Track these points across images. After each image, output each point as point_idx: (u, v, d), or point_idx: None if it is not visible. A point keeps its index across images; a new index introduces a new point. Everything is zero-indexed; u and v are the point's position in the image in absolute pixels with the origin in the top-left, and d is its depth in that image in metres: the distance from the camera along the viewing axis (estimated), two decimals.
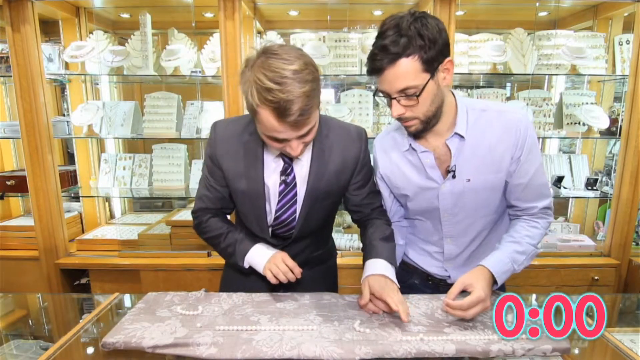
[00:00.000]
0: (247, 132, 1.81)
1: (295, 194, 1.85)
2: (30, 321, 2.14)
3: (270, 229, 1.95)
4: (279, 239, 1.98)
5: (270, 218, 1.92)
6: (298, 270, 1.82)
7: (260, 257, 1.88)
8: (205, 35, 3.93)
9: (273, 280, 1.81)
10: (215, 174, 1.92)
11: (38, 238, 3.59)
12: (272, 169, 1.85)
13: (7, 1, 3.21)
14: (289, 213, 1.88)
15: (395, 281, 1.78)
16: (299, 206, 1.87)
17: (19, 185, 3.69)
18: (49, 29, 4.03)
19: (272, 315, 1.71)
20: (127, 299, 2.08)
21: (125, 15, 4.12)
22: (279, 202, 1.86)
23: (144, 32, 3.55)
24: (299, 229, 1.92)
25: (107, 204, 4.38)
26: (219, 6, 3.26)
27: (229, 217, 2.11)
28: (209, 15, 3.94)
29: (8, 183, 3.71)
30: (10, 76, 3.36)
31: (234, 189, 1.90)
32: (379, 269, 1.80)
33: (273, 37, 3.78)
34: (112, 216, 4.46)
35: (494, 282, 1.72)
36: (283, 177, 1.84)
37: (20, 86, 3.33)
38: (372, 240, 1.92)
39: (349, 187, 1.95)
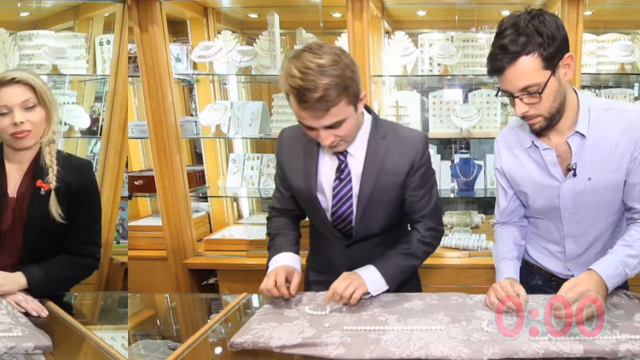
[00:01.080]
0: (308, 135, 1.95)
1: (351, 189, 2.00)
2: (158, 321, 2.30)
3: (332, 225, 2.09)
4: (344, 236, 2.11)
5: (328, 214, 2.07)
6: (285, 291, 1.87)
7: (270, 268, 2.03)
8: (333, 35, 4.03)
9: (268, 294, 1.92)
10: (280, 175, 2.17)
11: (166, 238, 3.75)
12: (328, 165, 2.01)
13: (135, 1, 3.38)
14: (345, 207, 2.02)
15: (370, 289, 1.89)
16: (354, 201, 2.01)
17: (147, 185, 3.85)
18: (177, 29, 4.23)
19: (400, 315, 1.76)
20: (255, 299, 2.18)
21: (253, 15, 4.29)
22: (334, 197, 2.01)
23: (272, 32, 3.66)
24: (358, 224, 2.05)
25: (235, 204, 4.54)
26: (347, 6, 3.34)
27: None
28: (337, 15, 4.01)
29: (136, 183, 3.89)
30: (139, 76, 3.54)
31: (293, 187, 2.11)
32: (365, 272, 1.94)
33: (401, 38, 3.84)
34: (240, 216, 4.60)
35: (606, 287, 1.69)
36: (337, 174, 1.99)
37: (148, 86, 3.50)
38: (391, 250, 2.05)
39: (407, 188, 2.02)
